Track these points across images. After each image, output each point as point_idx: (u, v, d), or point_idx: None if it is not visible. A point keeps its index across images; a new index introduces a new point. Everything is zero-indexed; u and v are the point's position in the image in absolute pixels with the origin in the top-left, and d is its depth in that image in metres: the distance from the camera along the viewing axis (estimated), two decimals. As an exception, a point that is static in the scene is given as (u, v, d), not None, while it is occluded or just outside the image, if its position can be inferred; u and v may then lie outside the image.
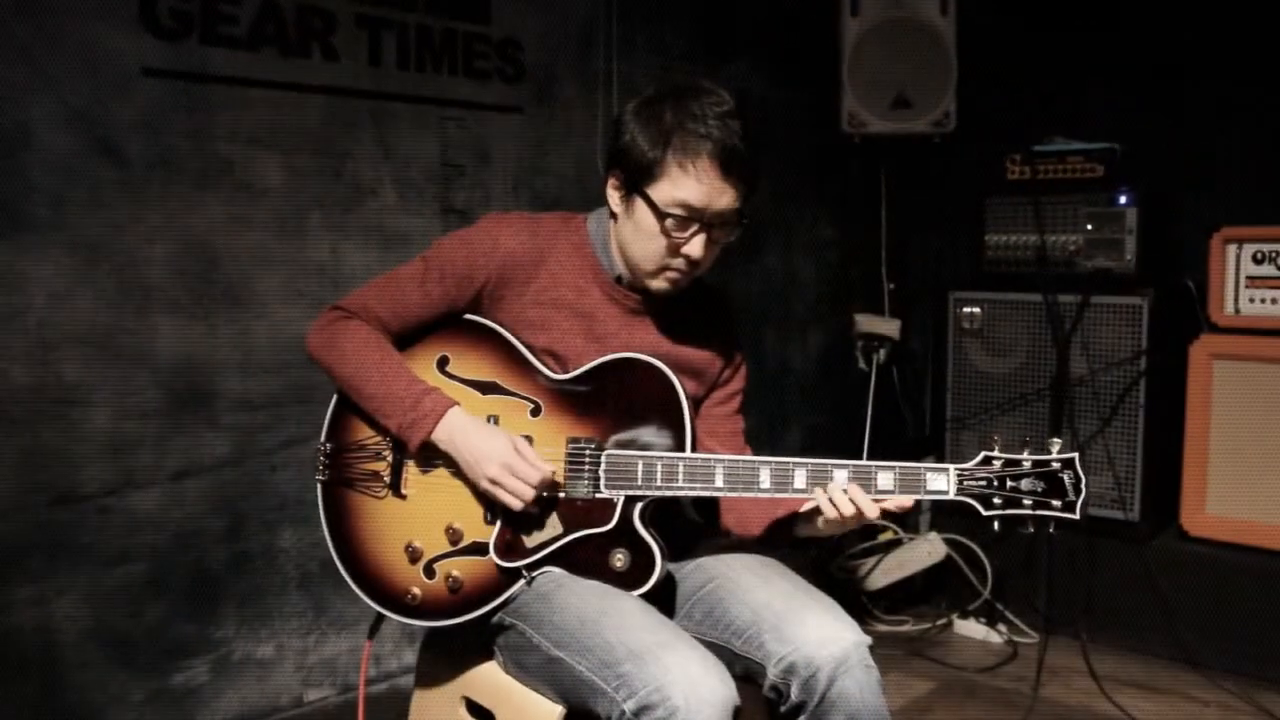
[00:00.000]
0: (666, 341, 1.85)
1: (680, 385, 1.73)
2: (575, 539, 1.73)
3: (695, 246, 1.71)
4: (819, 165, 3.92)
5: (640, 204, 1.71)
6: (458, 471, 1.76)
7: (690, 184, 1.66)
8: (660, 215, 1.69)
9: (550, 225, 1.83)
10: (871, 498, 1.64)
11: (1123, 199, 3.30)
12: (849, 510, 1.63)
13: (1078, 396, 3.33)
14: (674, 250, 1.72)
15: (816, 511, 1.68)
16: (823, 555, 3.59)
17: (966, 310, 3.56)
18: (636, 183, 1.71)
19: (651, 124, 1.69)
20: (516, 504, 1.70)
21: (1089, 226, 3.36)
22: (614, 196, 1.78)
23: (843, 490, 1.64)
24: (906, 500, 1.65)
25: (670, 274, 1.76)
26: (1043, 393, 3.40)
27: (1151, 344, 3.23)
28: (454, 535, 1.77)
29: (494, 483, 1.70)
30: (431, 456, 1.77)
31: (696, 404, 1.90)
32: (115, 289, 2.32)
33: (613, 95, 3.17)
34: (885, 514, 1.66)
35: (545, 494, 1.72)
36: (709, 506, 1.93)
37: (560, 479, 1.74)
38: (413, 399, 1.73)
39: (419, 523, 1.78)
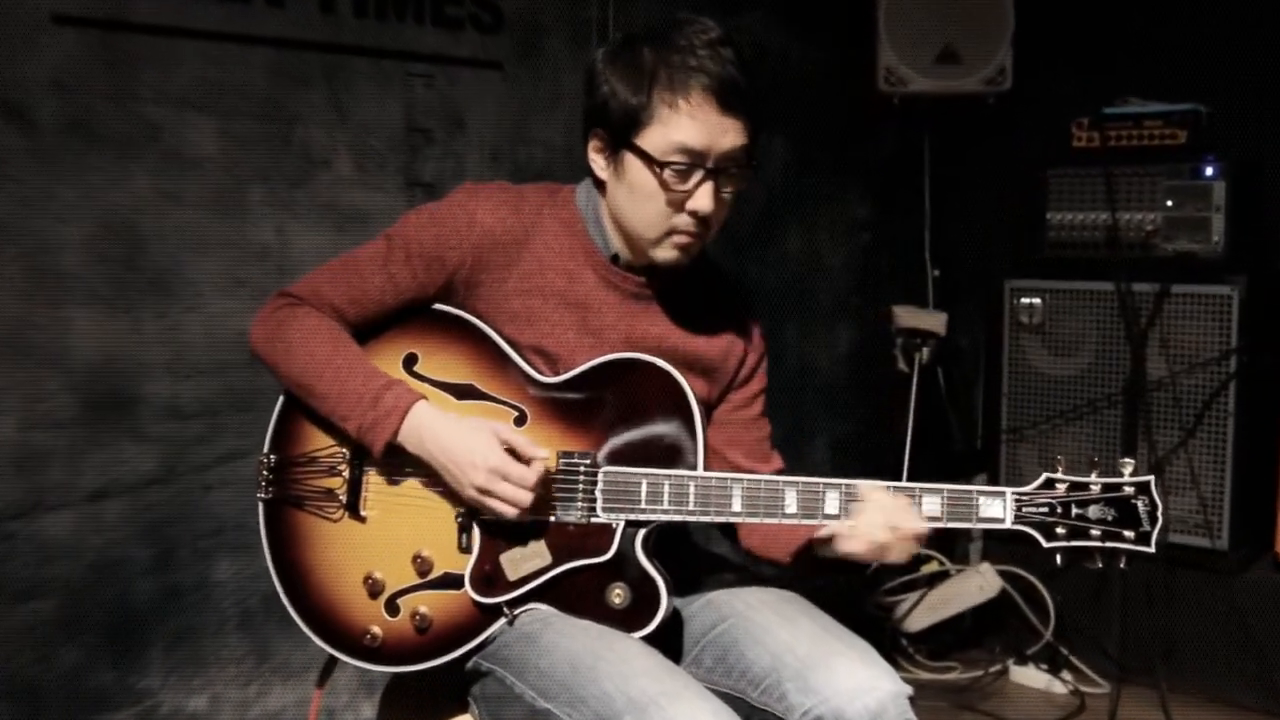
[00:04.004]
0: (674, 332, 1.85)
1: (691, 392, 1.74)
2: (566, 570, 1.73)
3: (703, 198, 1.71)
4: (850, 131, 3.92)
5: (631, 160, 1.71)
6: (429, 486, 1.77)
7: (685, 122, 1.67)
8: (658, 166, 1.69)
9: (535, 199, 1.84)
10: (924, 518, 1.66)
11: (1209, 170, 3.31)
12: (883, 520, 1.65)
13: (1156, 403, 3.33)
14: (678, 206, 1.72)
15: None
16: (855, 590, 3.59)
17: (1025, 302, 3.57)
18: (623, 136, 1.71)
19: (630, 68, 1.70)
20: (511, 513, 1.70)
21: (1169, 203, 3.36)
22: (598, 161, 1.78)
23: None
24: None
25: (679, 238, 1.75)
26: (1114, 399, 3.40)
27: (1243, 341, 3.23)
28: (422, 565, 1.77)
29: (483, 492, 1.70)
30: (397, 469, 1.78)
31: (710, 408, 1.91)
32: (22, 277, 2.31)
33: (608, 49, 3.17)
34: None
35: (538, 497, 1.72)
36: (724, 531, 1.93)
37: (549, 503, 1.74)
38: (372, 395, 1.73)
39: (380, 550, 1.78)
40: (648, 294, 1.84)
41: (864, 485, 1.67)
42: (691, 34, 1.68)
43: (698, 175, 1.70)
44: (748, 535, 1.91)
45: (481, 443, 1.70)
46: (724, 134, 1.69)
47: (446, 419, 1.74)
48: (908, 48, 3.59)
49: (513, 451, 1.71)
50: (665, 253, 1.78)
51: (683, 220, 1.73)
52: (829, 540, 1.74)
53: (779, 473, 1.92)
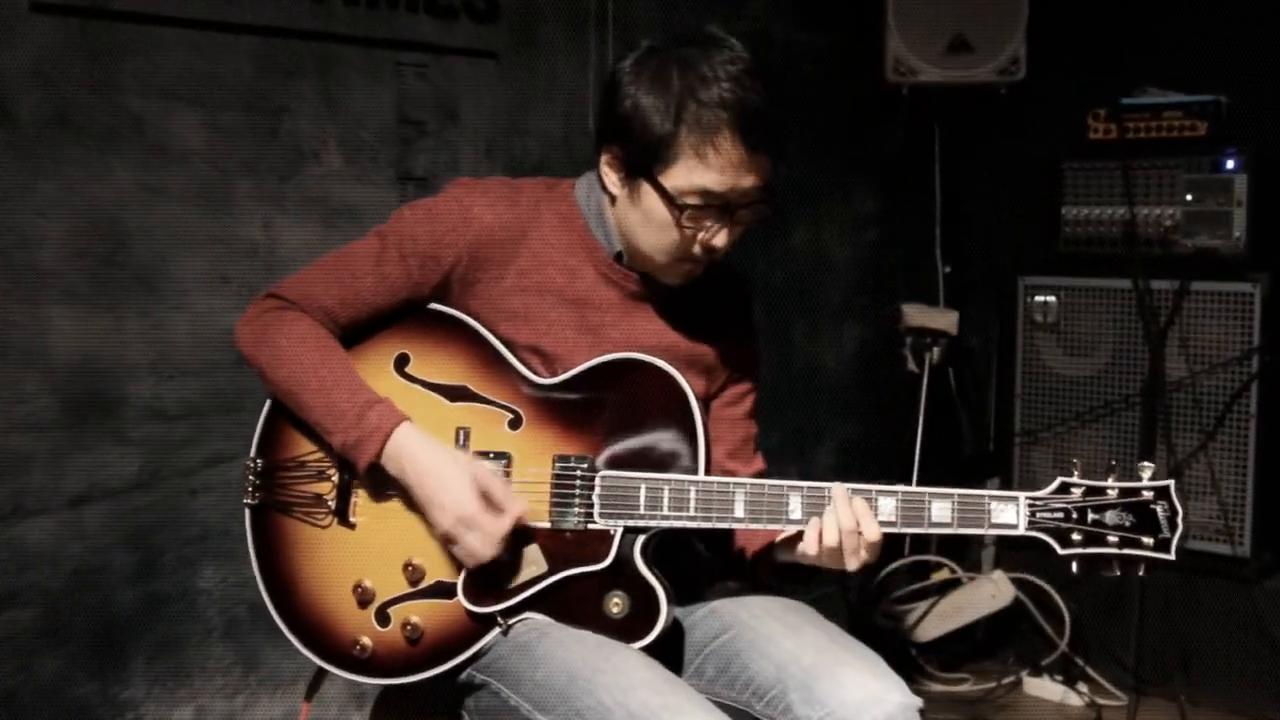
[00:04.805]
0: (675, 331, 1.86)
1: (693, 394, 1.74)
2: (562, 579, 1.73)
3: (719, 237, 1.73)
4: (857, 124, 3.92)
5: (648, 190, 1.71)
6: (419, 496, 1.77)
7: (711, 171, 1.67)
8: (677, 207, 1.69)
9: (532, 193, 1.84)
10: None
11: (1230, 163, 3.31)
12: (850, 525, 1.64)
13: (1175, 404, 3.33)
14: (691, 240, 1.73)
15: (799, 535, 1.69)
16: (864, 599, 3.59)
17: (1039, 299, 3.57)
18: (644, 165, 1.70)
19: (656, 89, 1.68)
20: (472, 564, 1.72)
21: (1189, 197, 3.36)
22: (611, 176, 1.77)
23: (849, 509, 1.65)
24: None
25: (686, 266, 1.78)
26: (1132, 400, 3.40)
27: (1265, 340, 3.23)
28: (414, 573, 1.76)
29: (447, 538, 1.71)
30: (386, 477, 1.77)
31: (706, 407, 1.91)
32: (0, 274, 2.31)
33: (607, 39, 3.17)
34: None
35: (520, 528, 1.72)
36: (722, 538, 1.92)
37: (544, 508, 1.74)
38: (356, 412, 1.73)
39: (371, 558, 1.78)
40: (648, 292, 1.84)
41: (833, 487, 1.67)
42: (719, 63, 1.66)
43: (715, 215, 1.71)
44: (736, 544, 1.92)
45: (456, 486, 1.70)
46: (748, 175, 1.69)
47: (428, 447, 1.73)
48: (917, 36, 3.59)
49: (490, 497, 1.71)
50: (671, 277, 1.80)
51: (694, 252, 1.74)
52: (790, 544, 1.74)
53: (759, 475, 1.91)
